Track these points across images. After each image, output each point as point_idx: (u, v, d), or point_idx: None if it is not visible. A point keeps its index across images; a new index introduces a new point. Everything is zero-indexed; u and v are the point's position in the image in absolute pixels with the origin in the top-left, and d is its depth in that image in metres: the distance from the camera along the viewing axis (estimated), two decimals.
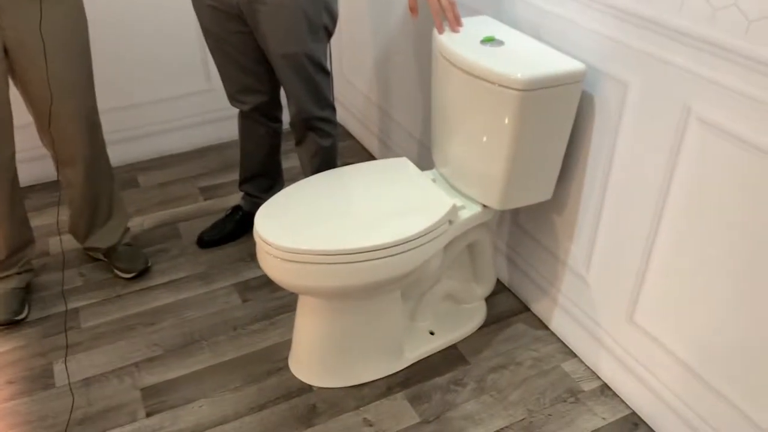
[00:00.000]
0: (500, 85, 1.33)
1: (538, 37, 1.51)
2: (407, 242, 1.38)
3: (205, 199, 2.33)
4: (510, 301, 1.86)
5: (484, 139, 1.43)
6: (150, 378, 1.63)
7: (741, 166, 1.13)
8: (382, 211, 1.45)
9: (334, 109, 1.88)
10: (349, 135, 2.75)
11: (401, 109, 2.28)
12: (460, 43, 1.45)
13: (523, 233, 1.78)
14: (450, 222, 1.48)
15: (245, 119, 1.95)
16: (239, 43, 1.75)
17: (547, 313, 1.76)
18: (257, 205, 2.10)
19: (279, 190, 2.15)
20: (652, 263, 1.37)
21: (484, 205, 1.54)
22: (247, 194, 2.11)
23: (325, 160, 1.94)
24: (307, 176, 1.95)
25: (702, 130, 1.18)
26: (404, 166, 1.63)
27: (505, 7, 1.60)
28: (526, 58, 1.37)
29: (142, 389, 1.60)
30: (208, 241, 2.09)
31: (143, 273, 1.97)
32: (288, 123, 1.93)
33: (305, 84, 1.75)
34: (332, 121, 1.89)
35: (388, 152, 2.46)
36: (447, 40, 1.47)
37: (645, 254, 1.38)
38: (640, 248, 1.39)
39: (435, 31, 1.53)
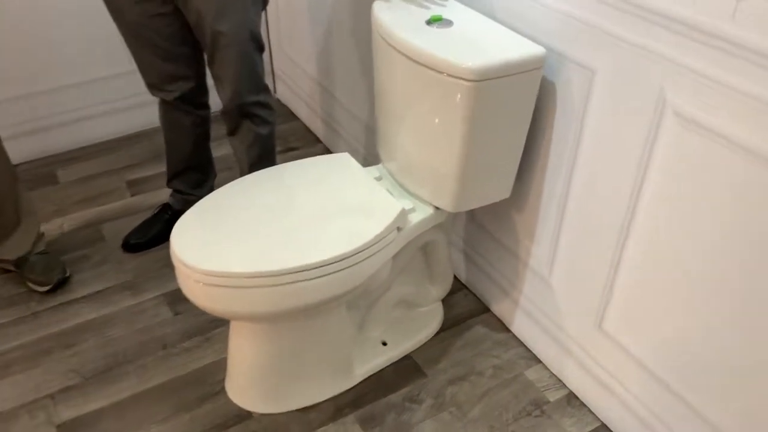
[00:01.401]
0: (449, 75, 1.16)
1: (492, 15, 1.33)
2: (351, 256, 1.21)
3: (133, 195, 2.11)
4: (468, 301, 1.72)
5: (434, 133, 1.25)
6: (67, 412, 1.44)
7: (721, 165, 0.98)
8: (321, 220, 1.27)
9: (269, 91, 1.69)
10: (292, 115, 2.54)
11: (345, 89, 2.08)
12: (403, 24, 1.26)
13: (480, 230, 1.62)
14: (398, 229, 1.31)
15: (169, 109, 1.73)
16: (161, 26, 1.53)
17: (508, 315, 1.63)
18: (188, 203, 1.90)
19: (211, 184, 1.96)
20: (623, 268, 1.23)
21: (437, 207, 1.37)
22: (176, 191, 1.90)
23: (263, 150, 1.75)
24: (243, 168, 1.76)
25: (678, 123, 1.03)
26: (346, 163, 1.44)
27: None
28: (478, 41, 1.20)
29: (58, 426, 1.41)
30: (134, 244, 1.88)
31: (61, 285, 1.76)
32: (217, 110, 1.72)
33: (243, 64, 1.55)
34: (269, 106, 1.70)
35: (334, 136, 2.27)
36: (387, 20, 1.28)
37: (614, 258, 1.24)
38: (609, 252, 1.25)
39: (374, 6, 1.34)
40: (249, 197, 1.35)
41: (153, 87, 1.67)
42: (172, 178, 1.87)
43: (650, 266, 1.17)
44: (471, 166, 1.26)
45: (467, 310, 1.70)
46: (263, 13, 1.58)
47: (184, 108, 1.72)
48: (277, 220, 1.28)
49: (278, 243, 1.22)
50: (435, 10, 1.31)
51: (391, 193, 1.41)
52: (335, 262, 1.20)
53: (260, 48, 1.58)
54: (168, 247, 1.88)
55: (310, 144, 2.37)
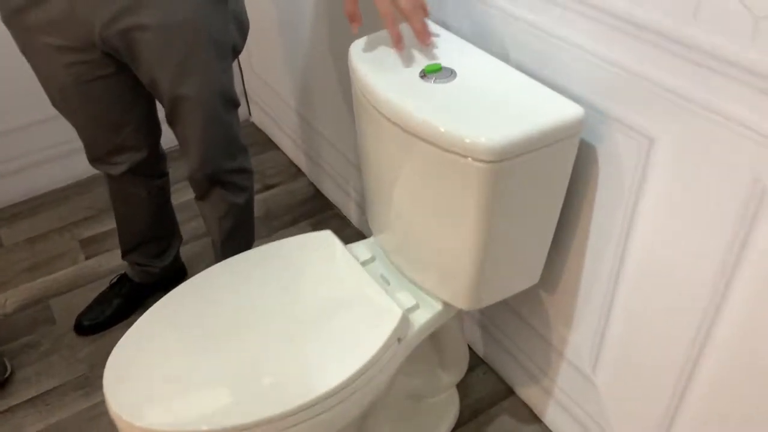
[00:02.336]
0: (457, 154, 0.85)
1: (506, 58, 1.02)
2: (336, 395, 0.92)
3: (88, 257, 1.81)
4: (488, 382, 1.43)
5: (440, 219, 0.95)
6: None
7: None
8: (296, 341, 0.98)
9: (247, 153, 1.38)
10: (270, 143, 2.23)
11: (326, 121, 1.77)
12: (390, 78, 0.95)
13: (502, 305, 1.33)
14: (399, 340, 1.02)
15: (118, 183, 1.42)
16: (104, 93, 1.22)
17: (538, 402, 1.34)
18: (150, 274, 1.61)
19: (176, 251, 1.66)
20: (699, 377, 0.94)
21: (446, 302, 1.08)
22: (134, 264, 1.60)
23: (238, 222, 1.45)
24: (215, 240, 1.47)
25: None
26: (328, 246, 1.14)
27: (455, 9, 1.10)
28: (492, 100, 0.89)
29: None
30: (89, 326, 1.59)
31: (1, 386, 1.47)
32: (177, 173, 1.42)
33: (213, 130, 1.25)
34: (247, 170, 1.39)
35: (319, 171, 1.97)
36: (369, 73, 0.97)
37: (687, 363, 0.95)
38: (680, 358, 0.96)
39: (351, 51, 1.03)
40: (208, 305, 1.05)
41: (97, 161, 1.35)
42: (127, 252, 1.57)
43: (735, 375, 0.88)
44: (490, 259, 0.96)
45: (488, 394, 1.41)
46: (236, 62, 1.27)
47: (136, 181, 1.41)
48: (243, 340, 0.98)
49: (242, 380, 0.93)
50: (430, 54, 1.00)
51: (387, 282, 1.11)
52: (316, 404, 0.91)
53: (234, 106, 1.28)
54: (127, 326, 1.59)
55: (291, 178, 2.07)
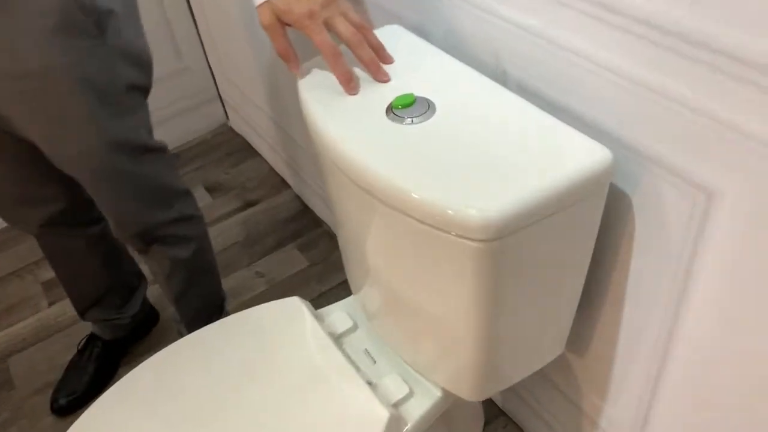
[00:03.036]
0: (443, 231, 0.62)
1: (502, 79, 0.77)
2: None
3: (51, 303, 1.61)
4: None
5: (432, 300, 0.72)
6: None
7: None
8: None
9: (188, 195, 1.15)
10: (250, 150, 2.00)
11: (305, 133, 1.53)
12: (346, 119, 0.71)
13: None
14: None
15: (44, 239, 1.20)
16: None
17: None
18: (120, 327, 1.41)
19: (142, 293, 1.45)
20: None
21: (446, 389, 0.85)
22: (98, 321, 1.39)
23: (190, 278, 1.21)
24: (169, 300, 1.25)
25: None
26: (297, 319, 0.92)
27: (431, 11, 0.84)
28: (483, 147, 0.65)
29: None
30: (67, 404, 1.37)
31: None
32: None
33: (121, 188, 1.02)
34: (191, 217, 1.15)
35: (302, 184, 1.73)
36: (319, 110, 0.73)
37: None
38: None
39: (299, 87, 0.79)
40: (160, 398, 0.84)
41: (7, 219, 1.13)
42: (84, 311, 1.35)
43: None
44: (496, 345, 0.73)
45: None
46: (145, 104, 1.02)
47: (64, 233, 1.19)
48: None
49: None
50: (400, 76, 0.75)
51: (373, 360, 0.89)
52: None
53: (148, 151, 1.02)
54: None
55: (274, 191, 1.84)
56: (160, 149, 1.05)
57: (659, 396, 0.82)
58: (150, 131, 1.04)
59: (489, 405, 1.26)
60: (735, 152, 0.56)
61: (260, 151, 1.96)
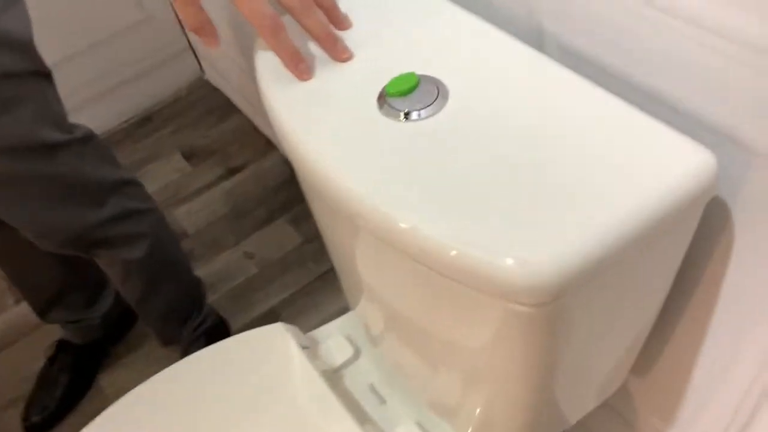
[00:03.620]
0: (471, 288, 0.42)
1: (538, 39, 0.56)
2: None
3: (18, 300, 1.44)
4: None
5: (466, 358, 0.54)
6: None
7: None
8: None
9: (127, 185, 0.95)
10: (229, 106, 1.77)
11: None
12: (322, 113, 0.50)
13: None
14: None
15: None
16: None
17: None
18: (92, 328, 1.24)
19: (111, 292, 1.24)
20: None
21: None
22: (65, 323, 1.22)
23: (151, 279, 1.04)
24: (134, 308, 1.09)
25: None
26: (282, 357, 0.73)
27: None
28: (522, 159, 0.44)
29: None
30: (41, 423, 1.21)
31: None
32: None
33: (29, 200, 0.85)
34: (135, 211, 0.97)
35: None
36: (284, 105, 0.52)
37: None
38: None
39: (257, 62, 0.57)
40: None
41: None
42: (44, 312, 1.18)
43: None
44: (547, 400, 0.55)
45: None
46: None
47: (9, 228, 1.00)
48: None
49: None
50: (392, 44, 0.54)
51: (382, 400, 0.71)
52: None
53: (58, 145, 0.83)
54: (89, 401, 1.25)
55: (260, 154, 1.62)
56: (74, 141, 0.85)
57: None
58: (58, 122, 0.84)
59: None
60: None
61: (241, 108, 1.73)
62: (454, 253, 0.41)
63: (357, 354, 0.75)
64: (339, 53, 0.53)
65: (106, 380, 1.28)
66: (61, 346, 1.25)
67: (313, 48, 0.55)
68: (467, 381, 0.57)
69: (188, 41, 1.79)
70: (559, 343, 0.45)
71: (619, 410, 0.84)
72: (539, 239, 0.40)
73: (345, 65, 0.53)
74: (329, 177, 0.47)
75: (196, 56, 1.82)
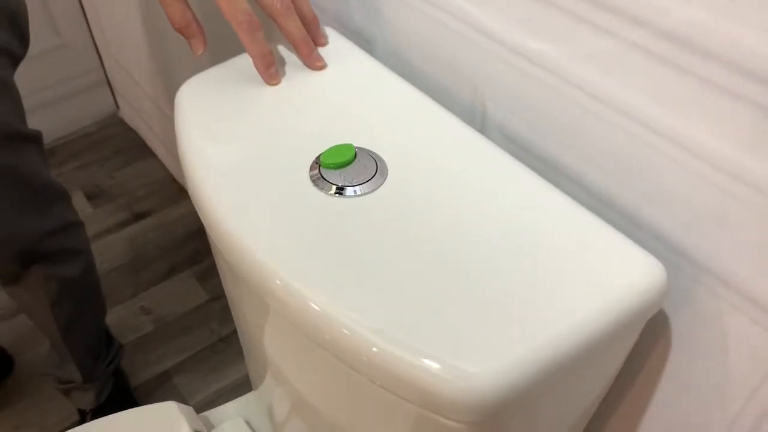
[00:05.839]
0: (397, 395, 0.37)
1: (480, 121, 0.53)
2: None
3: None
4: None
5: None
6: None
7: None
8: None
9: (65, 195, 0.89)
10: (143, 147, 1.67)
11: None
12: (248, 178, 0.45)
13: None
14: None
15: None
16: None
17: None
18: None
19: None
20: None
21: None
22: None
23: (83, 300, 0.97)
24: (52, 338, 0.99)
25: None
26: (172, 427, 0.65)
27: (371, 11, 0.59)
28: (464, 250, 0.40)
29: None
30: None
31: None
32: None
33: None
34: (74, 223, 0.91)
35: None
36: (206, 170, 0.46)
37: None
38: None
39: (177, 106, 0.52)
40: None
41: None
42: None
43: None
44: None
45: None
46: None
47: None
48: None
49: None
50: (329, 106, 0.50)
51: None
52: None
53: (21, 140, 0.78)
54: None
55: (169, 201, 1.53)
56: (35, 138, 0.80)
57: None
58: (23, 114, 0.79)
59: None
60: None
61: (155, 151, 1.64)
62: (375, 350, 0.36)
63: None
64: (314, 60, 0.52)
65: None
66: None
67: (251, 95, 0.50)
68: None
69: (105, 74, 1.69)
70: None
71: None
72: (475, 350, 0.35)
73: (279, 125, 0.49)
74: (241, 246, 0.42)
75: (111, 91, 1.73)
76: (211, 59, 0.87)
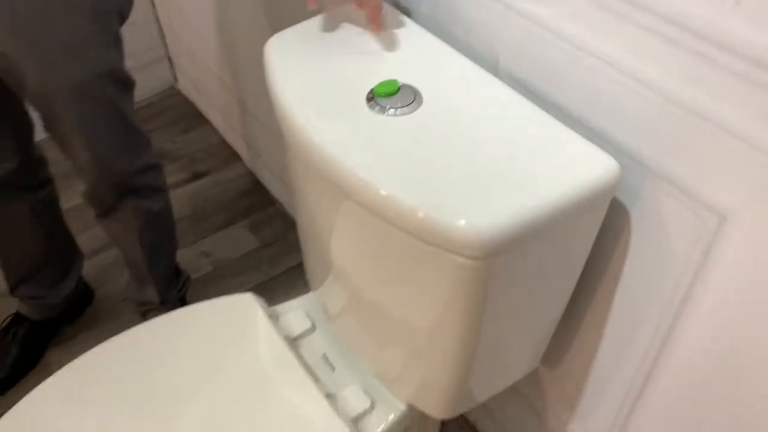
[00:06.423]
0: (426, 242, 0.54)
1: (494, 68, 0.69)
2: None
3: None
4: None
5: (405, 308, 0.65)
6: None
7: None
8: None
9: (149, 142, 1.06)
10: (199, 117, 1.86)
11: (263, 107, 1.42)
12: (320, 102, 0.62)
13: None
14: None
15: None
16: None
17: None
18: (50, 307, 1.30)
19: (78, 272, 1.32)
20: None
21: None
22: (27, 298, 1.27)
23: (162, 232, 1.16)
24: (136, 261, 1.17)
25: None
26: (251, 320, 0.83)
27: None
28: (474, 149, 0.57)
29: None
30: None
31: None
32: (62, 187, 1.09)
33: (109, 127, 0.94)
34: (157, 165, 1.09)
35: (256, 159, 1.62)
36: (289, 91, 0.64)
37: None
38: None
39: (267, 50, 0.69)
40: (108, 385, 0.74)
41: None
42: (15, 286, 1.23)
43: None
44: (475, 360, 0.66)
45: None
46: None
47: (11, 197, 1.07)
48: None
49: None
50: (383, 58, 0.67)
51: (332, 367, 0.82)
52: None
53: (128, 87, 0.96)
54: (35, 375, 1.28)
55: (224, 163, 1.72)
56: (133, 86, 0.98)
57: (634, 419, 0.78)
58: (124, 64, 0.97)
59: None
60: (758, 174, 0.50)
61: (210, 119, 1.83)
62: (416, 214, 0.53)
63: (313, 328, 0.86)
64: (377, 25, 0.68)
65: (54, 357, 1.32)
66: (16, 319, 1.29)
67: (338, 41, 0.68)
68: (408, 347, 0.69)
69: (166, 50, 1.88)
70: (489, 296, 0.57)
71: (533, 405, 0.97)
72: (483, 209, 0.52)
73: (347, 64, 0.66)
74: (323, 149, 0.59)
75: (171, 65, 1.92)
76: (270, 29, 1.05)
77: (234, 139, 1.72)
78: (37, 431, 0.73)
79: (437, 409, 0.73)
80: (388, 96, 0.62)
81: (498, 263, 0.54)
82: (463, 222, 0.51)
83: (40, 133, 1.03)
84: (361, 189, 0.56)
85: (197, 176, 1.69)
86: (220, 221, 1.57)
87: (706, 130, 0.52)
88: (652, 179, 0.59)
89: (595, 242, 0.66)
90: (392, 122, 0.60)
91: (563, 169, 0.55)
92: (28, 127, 1.04)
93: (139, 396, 0.76)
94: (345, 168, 0.57)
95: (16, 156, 1.03)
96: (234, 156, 1.74)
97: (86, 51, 0.86)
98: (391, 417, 0.77)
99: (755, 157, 0.50)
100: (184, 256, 1.49)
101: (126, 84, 0.95)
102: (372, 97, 0.62)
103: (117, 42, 0.91)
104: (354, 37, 0.69)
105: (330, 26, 0.70)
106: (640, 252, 0.65)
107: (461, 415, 1.20)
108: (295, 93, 0.64)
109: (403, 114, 0.61)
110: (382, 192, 0.54)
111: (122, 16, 0.92)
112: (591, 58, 0.58)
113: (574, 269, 0.65)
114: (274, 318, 0.85)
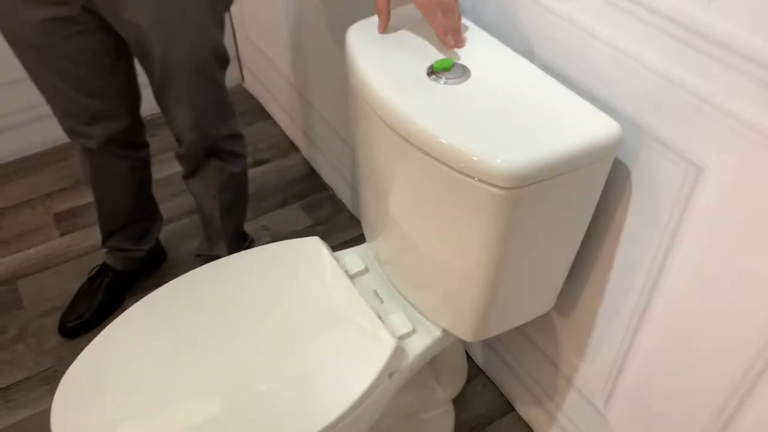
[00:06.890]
0: (467, 176, 0.71)
1: (529, 55, 0.87)
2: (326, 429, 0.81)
3: (63, 234, 1.68)
4: (487, 395, 1.32)
5: (446, 242, 0.82)
6: None
7: None
8: (279, 368, 0.86)
9: (235, 113, 1.26)
10: (262, 112, 2.07)
11: (323, 99, 1.62)
12: (390, 72, 0.80)
13: None
14: (390, 375, 0.90)
15: (96, 157, 1.27)
16: (78, 51, 1.08)
17: (541, 423, 1.23)
18: (133, 260, 1.49)
19: (159, 229, 1.53)
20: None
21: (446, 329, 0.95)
22: (114, 249, 1.47)
23: (238, 192, 1.36)
24: (211, 216, 1.37)
25: None
26: (317, 256, 1.01)
27: None
28: (511, 110, 0.74)
29: None
30: (74, 327, 1.45)
31: None
32: (156, 150, 1.29)
33: (209, 96, 1.14)
34: (240, 135, 1.29)
35: (314, 150, 1.82)
36: (365, 63, 0.82)
37: (720, 425, 0.84)
38: (713, 417, 0.84)
39: (349, 34, 0.88)
40: (186, 313, 0.93)
41: (72, 132, 1.21)
42: (108, 236, 1.44)
43: None
44: (500, 288, 0.83)
45: (487, 410, 1.30)
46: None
47: (117, 153, 1.28)
48: (225, 354, 0.86)
49: (228, 399, 0.81)
50: (442, 44, 0.85)
51: (381, 300, 0.99)
52: None
53: (226, 63, 1.16)
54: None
55: (283, 153, 1.92)
56: (228, 63, 1.16)
57: (629, 360, 0.93)
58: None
59: (470, 364, 1.36)
60: (728, 135, 0.66)
61: (273, 115, 2.04)
62: (461, 151, 0.70)
63: (366, 270, 1.03)
64: (457, 42, 0.84)
65: (132, 304, 1.51)
66: (102, 269, 1.49)
67: (406, 30, 0.86)
68: (444, 282, 0.85)
69: (236, 51, 2.10)
70: (515, 225, 0.74)
71: (546, 353, 1.12)
72: (514, 150, 0.69)
73: (413, 47, 0.84)
74: (389, 103, 0.76)
75: (240, 65, 2.14)
76: (340, 33, 1.25)
77: (293, 132, 1.92)
78: (132, 347, 0.91)
79: (468, 332, 0.90)
80: (445, 70, 0.80)
81: (523, 195, 0.71)
82: (499, 160, 0.69)
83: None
84: (422, 137, 0.73)
85: (259, 163, 1.89)
86: (277, 201, 1.77)
87: (689, 100, 0.68)
88: (646, 140, 0.75)
89: (604, 196, 0.83)
90: (447, 89, 0.78)
91: (577, 127, 0.72)
92: (137, 95, 1.24)
93: (224, 312, 0.94)
94: (406, 118, 0.75)
95: (127, 118, 1.23)
96: (292, 147, 1.93)
97: (202, 29, 1.05)
98: (430, 340, 0.94)
99: (723, 121, 0.66)
100: (247, 228, 1.68)
101: (225, 61, 1.14)
102: (432, 71, 0.80)
103: (222, 24, 1.11)
104: (420, 29, 0.88)
105: (400, 19, 0.89)
106: (638, 202, 0.81)
107: (484, 374, 1.35)
108: (371, 67, 0.82)
109: (455, 84, 0.78)
110: (442, 140, 0.72)
111: (228, 3, 1.13)
112: (600, 44, 0.76)
113: (585, 214, 0.81)
114: (335, 258, 1.02)
